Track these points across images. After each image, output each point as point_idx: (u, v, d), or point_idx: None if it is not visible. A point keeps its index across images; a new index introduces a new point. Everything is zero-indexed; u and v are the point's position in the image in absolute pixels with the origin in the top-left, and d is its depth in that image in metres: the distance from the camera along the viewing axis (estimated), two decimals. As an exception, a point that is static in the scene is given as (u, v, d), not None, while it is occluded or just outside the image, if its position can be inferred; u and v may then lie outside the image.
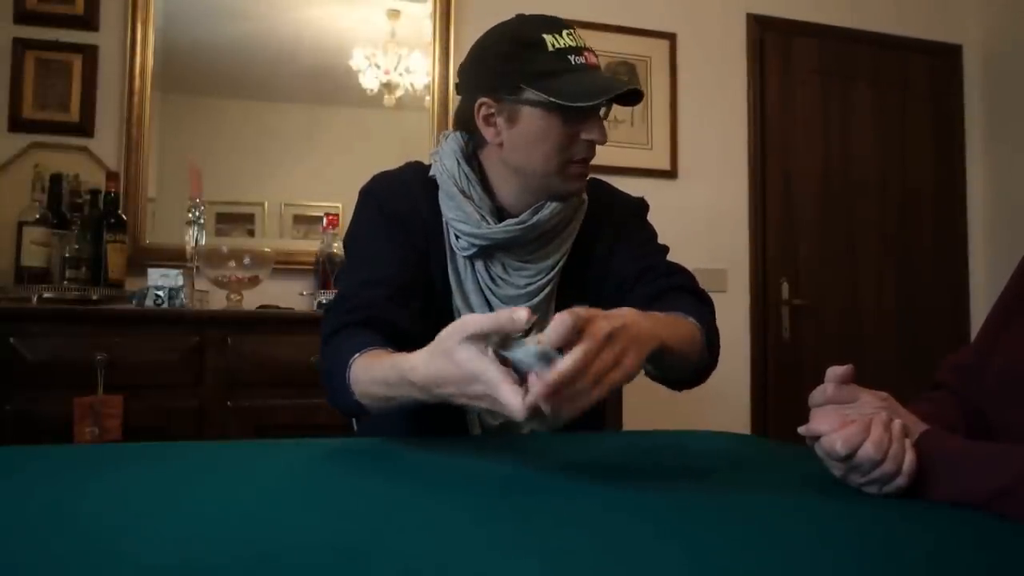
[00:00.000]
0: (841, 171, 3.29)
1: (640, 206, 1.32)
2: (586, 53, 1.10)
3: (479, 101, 1.13)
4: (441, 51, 2.78)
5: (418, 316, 1.10)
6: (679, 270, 1.22)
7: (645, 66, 3.04)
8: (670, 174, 3.04)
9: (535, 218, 1.15)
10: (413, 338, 1.02)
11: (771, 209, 3.19)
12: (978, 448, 0.75)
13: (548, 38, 1.08)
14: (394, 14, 2.79)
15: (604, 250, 1.23)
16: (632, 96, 1.11)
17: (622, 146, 2.97)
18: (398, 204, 1.18)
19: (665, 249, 1.28)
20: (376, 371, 0.92)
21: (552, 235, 1.19)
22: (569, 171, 1.13)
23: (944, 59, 3.45)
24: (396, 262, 1.13)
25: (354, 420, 1.35)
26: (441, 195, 1.18)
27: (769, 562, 0.57)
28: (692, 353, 1.00)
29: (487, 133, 1.14)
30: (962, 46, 3.47)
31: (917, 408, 0.86)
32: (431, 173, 1.21)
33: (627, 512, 0.70)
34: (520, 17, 1.15)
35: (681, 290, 1.17)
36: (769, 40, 3.22)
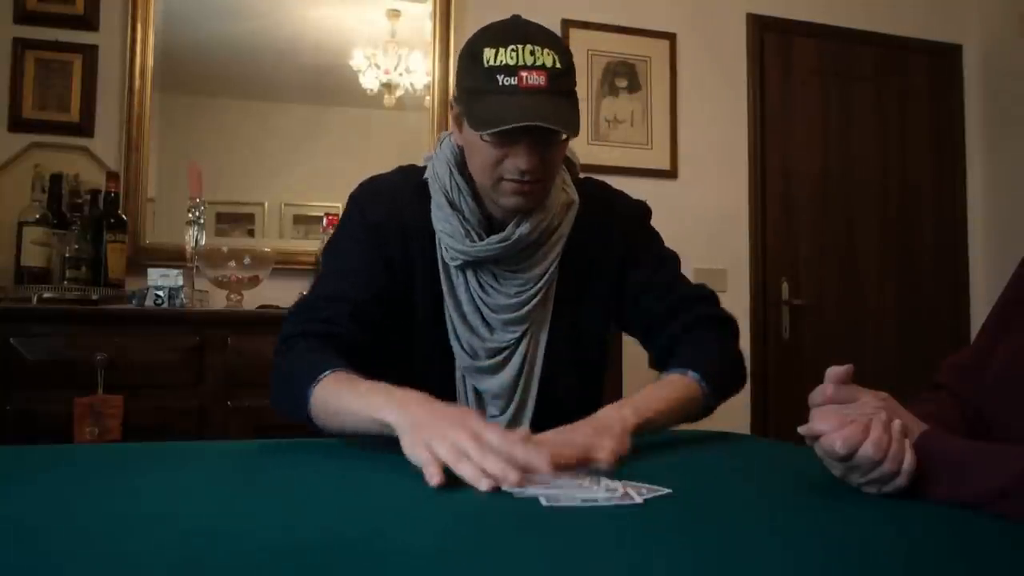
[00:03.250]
0: (841, 171, 3.29)
1: (644, 211, 1.29)
2: (523, 72, 1.02)
3: (450, 101, 1.15)
4: (441, 51, 2.78)
5: (379, 330, 1.13)
6: (701, 297, 1.24)
7: (645, 66, 3.04)
8: (670, 174, 3.04)
9: (517, 232, 1.13)
10: (370, 352, 1.08)
11: (771, 209, 3.18)
12: (978, 448, 0.75)
13: (488, 52, 1.03)
14: (394, 14, 2.79)
15: (612, 261, 1.22)
16: (563, 121, 1.04)
17: (622, 146, 2.98)
18: (381, 212, 1.17)
19: (678, 262, 1.27)
20: (347, 397, 0.96)
21: (537, 246, 1.17)
22: (502, 187, 1.09)
23: (944, 59, 3.45)
24: (366, 277, 1.13)
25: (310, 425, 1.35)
26: (432, 205, 1.18)
27: (769, 562, 0.57)
28: (684, 412, 1.10)
29: (455, 134, 1.16)
30: (962, 46, 3.47)
31: (917, 408, 0.86)
32: (425, 176, 1.20)
33: (626, 511, 0.70)
34: (494, 23, 1.10)
35: (708, 321, 1.20)
36: (769, 40, 3.22)
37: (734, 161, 3.15)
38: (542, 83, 1.02)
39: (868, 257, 3.31)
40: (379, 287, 1.14)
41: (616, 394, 1.99)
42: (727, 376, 1.18)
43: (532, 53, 1.03)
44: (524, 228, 1.13)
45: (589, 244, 1.22)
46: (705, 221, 3.05)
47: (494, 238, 1.13)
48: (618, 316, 1.26)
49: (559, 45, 1.07)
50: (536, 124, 1.01)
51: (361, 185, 1.23)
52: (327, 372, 0.97)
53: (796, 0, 3.24)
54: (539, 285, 1.17)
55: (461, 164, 1.16)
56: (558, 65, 1.04)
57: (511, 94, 1.02)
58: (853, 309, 3.27)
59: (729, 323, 1.23)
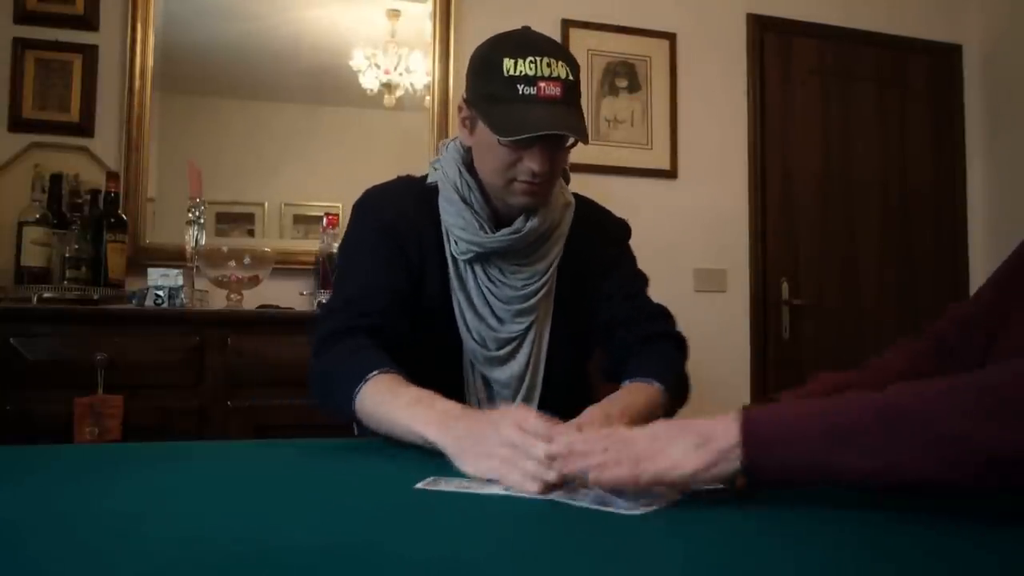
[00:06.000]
0: (841, 171, 3.29)
1: (628, 231, 1.38)
2: (541, 83, 1.09)
3: (460, 102, 1.19)
4: (441, 51, 2.78)
5: (411, 323, 1.17)
6: (661, 313, 1.30)
7: (645, 66, 3.04)
8: (670, 174, 3.03)
9: (527, 225, 1.19)
10: (410, 344, 1.12)
11: (771, 209, 3.18)
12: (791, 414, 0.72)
13: (507, 62, 1.09)
14: (394, 14, 2.79)
15: (598, 268, 1.29)
16: (578, 130, 1.12)
17: (622, 146, 2.97)
18: (390, 215, 1.22)
19: (647, 283, 1.35)
20: (392, 406, 0.98)
21: (543, 239, 1.24)
22: (513, 187, 1.16)
23: (944, 59, 3.45)
24: (390, 273, 1.18)
25: (355, 423, 1.36)
26: (441, 201, 1.23)
27: (768, 562, 0.57)
28: (653, 419, 1.12)
29: (461, 133, 1.20)
30: (962, 46, 3.46)
31: (878, 362, 0.85)
32: (430, 180, 1.26)
33: (632, 517, 0.70)
34: (510, 32, 1.16)
35: (663, 337, 1.26)
36: (769, 40, 3.22)
37: (734, 161, 3.15)
38: (558, 94, 1.10)
39: (868, 257, 3.30)
40: (403, 279, 1.19)
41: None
42: (679, 392, 1.23)
43: (549, 65, 1.10)
44: (534, 222, 1.20)
45: (582, 245, 1.29)
46: (705, 221, 3.05)
47: (506, 230, 1.20)
48: (588, 299, 1.31)
49: (570, 58, 1.14)
50: (554, 132, 1.09)
51: (365, 192, 1.28)
52: (373, 373, 1.01)
53: (796, 0, 3.24)
54: (544, 279, 1.24)
55: (469, 164, 1.22)
56: (570, 77, 1.11)
57: (531, 103, 1.08)
58: (853, 309, 3.27)
59: (683, 343, 1.30)
